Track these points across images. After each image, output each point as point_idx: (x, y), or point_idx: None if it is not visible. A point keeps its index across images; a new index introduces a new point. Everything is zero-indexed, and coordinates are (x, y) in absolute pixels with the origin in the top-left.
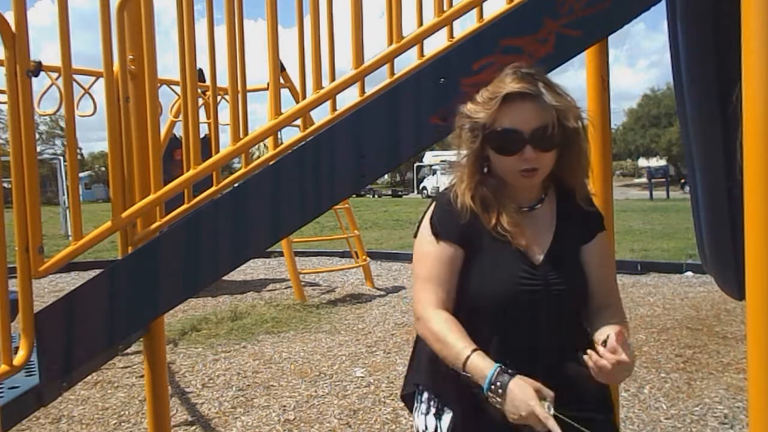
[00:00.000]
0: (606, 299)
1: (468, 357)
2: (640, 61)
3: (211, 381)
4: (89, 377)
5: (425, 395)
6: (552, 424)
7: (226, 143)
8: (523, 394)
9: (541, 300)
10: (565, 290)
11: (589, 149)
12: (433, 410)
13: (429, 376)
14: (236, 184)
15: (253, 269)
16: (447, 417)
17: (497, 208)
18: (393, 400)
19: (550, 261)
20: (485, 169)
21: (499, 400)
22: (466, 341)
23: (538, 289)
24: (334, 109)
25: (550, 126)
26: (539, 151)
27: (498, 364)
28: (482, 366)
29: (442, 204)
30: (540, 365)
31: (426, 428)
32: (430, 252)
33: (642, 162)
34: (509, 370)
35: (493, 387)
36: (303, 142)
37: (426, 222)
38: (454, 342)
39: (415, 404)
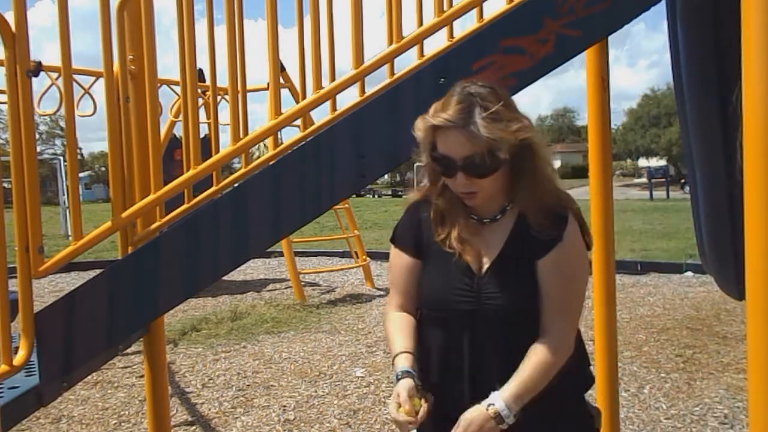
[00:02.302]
0: (546, 321)
1: (396, 356)
2: (640, 61)
3: (211, 381)
4: (89, 377)
5: None
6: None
7: (226, 143)
8: (393, 396)
9: (476, 315)
10: (500, 307)
11: (548, 163)
12: None
13: None
14: (236, 184)
15: (253, 269)
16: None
17: (450, 220)
18: None
19: (491, 276)
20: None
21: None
22: (402, 341)
23: (471, 303)
24: (334, 109)
25: (479, 155)
26: (473, 177)
27: (405, 370)
28: (396, 367)
29: (407, 210)
30: (481, 380)
31: None
32: (391, 257)
33: (642, 162)
34: (409, 375)
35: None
36: (303, 142)
37: None
38: (393, 340)
39: None
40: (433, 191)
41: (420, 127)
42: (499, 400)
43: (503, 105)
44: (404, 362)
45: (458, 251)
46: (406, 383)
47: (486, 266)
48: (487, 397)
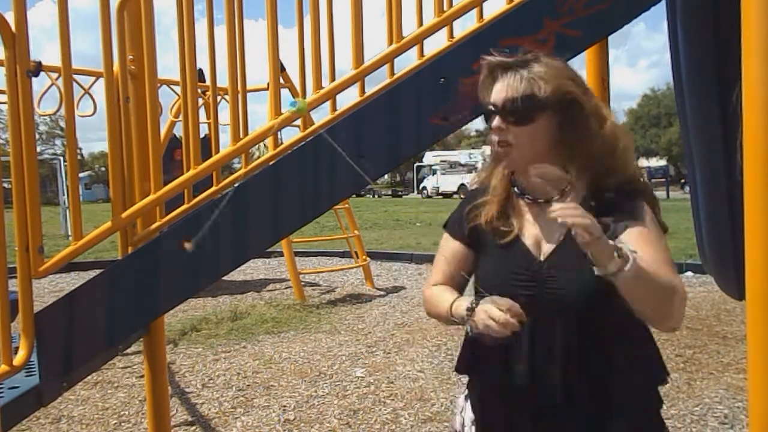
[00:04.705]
0: None
1: (452, 303)
2: (640, 61)
3: (211, 381)
4: (89, 377)
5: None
6: (486, 314)
7: (226, 143)
8: (484, 305)
9: (538, 301)
10: (562, 294)
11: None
12: (465, 392)
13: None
14: (236, 184)
15: (253, 269)
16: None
17: (507, 203)
18: (393, 400)
19: (552, 261)
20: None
21: (474, 321)
22: (452, 294)
23: (531, 288)
24: (334, 109)
25: (518, 98)
26: (509, 124)
27: (473, 300)
28: (462, 303)
29: (465, 197)
30: (540, 373)
31: (462, 409)
32: (441, 243)
33: (642, 162)
34: (480, 298)
35: (467, 312)
36: (303, 142)
37: None
38: (441, 298)
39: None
40: (492, 173)
41: (480, 90)
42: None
43: (553, 64)
44: (465, 300)
45: (516, 235)
46: (488, 300)
47: (548, 252)
48: (547, 391)
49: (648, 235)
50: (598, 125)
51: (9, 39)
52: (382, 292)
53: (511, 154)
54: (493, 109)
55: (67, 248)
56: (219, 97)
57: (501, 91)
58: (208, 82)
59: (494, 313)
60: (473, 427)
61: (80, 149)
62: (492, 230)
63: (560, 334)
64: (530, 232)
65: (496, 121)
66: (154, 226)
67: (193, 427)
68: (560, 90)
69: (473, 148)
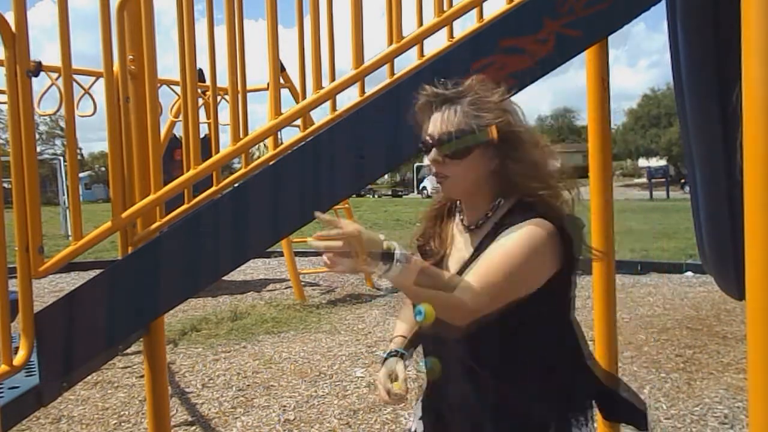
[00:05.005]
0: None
1: (391, 341)
2: (640, 61)
3: (211, 381)
4: (89, 377)
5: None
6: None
7: (226, 143)
8: (385, 367)
9: (438, 339)
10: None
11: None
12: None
13: None
14: (236, 184)
15: (253, 269)
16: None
17: (443, 227)
18: None
19: None
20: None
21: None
22: (399, 328)
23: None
24: (334, 109)
25: (456, 133)
26: (445, 157)
27: (394, 351)
28: (391, 344)
29: (424, 217)
30: (445, 414)
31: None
32: None
33: (642, 162)
34: (399, 355)
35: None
36: (303, 142)
37: None
38: (394, 327)
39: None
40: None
41: (417, 122)
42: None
43: (488, 97)
44: (395, 345)
45: (441, 257)
46: (395, 362)
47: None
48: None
49: (492, 249)
50: (534, 152)
51: (9, 39)
52: (382, 292)
53: (448, 185)
54: (430, 141)
55: (67, 248)
56: (219, 97)
57: (436, 124)
58: (208, 82)
59: (379, 389)
60: (416, 422)
61: (80, 149)
62: (423, 253)
63: (457, 360)
64: (456, 256)
65: (432, 154)
66: (154, 226)
67: (193, 427)
68: (495, 123)
69: None
